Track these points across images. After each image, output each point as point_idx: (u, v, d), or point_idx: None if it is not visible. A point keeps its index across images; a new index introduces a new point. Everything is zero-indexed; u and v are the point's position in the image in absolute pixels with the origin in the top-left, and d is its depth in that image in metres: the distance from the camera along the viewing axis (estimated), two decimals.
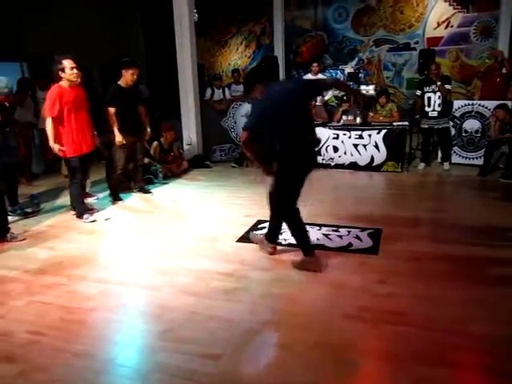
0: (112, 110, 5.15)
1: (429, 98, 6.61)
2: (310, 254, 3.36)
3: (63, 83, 4.43)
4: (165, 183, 6.37)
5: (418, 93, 6.78)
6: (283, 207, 3.36)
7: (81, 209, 4.76)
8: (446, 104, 6.66)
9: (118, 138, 5.15)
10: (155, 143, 6.57)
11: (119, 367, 2.33)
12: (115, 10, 10.68)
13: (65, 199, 5.40)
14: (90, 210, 4.92)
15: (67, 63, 4.37)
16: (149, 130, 5.66)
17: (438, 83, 6.50)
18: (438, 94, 6.54)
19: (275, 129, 3.23)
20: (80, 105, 4.57)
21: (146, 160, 6.34)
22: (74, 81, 4.48)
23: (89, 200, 5.36)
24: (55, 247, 4.01)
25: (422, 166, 6.83)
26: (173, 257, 3.69)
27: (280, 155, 3.25)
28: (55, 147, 4.42)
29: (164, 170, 6.53)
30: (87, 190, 5.57)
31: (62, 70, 4.37)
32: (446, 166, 6.70)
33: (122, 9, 11.04)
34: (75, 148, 4.53)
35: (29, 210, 4.97)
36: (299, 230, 3.37)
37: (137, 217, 4.95)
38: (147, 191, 5.81)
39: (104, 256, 3.80)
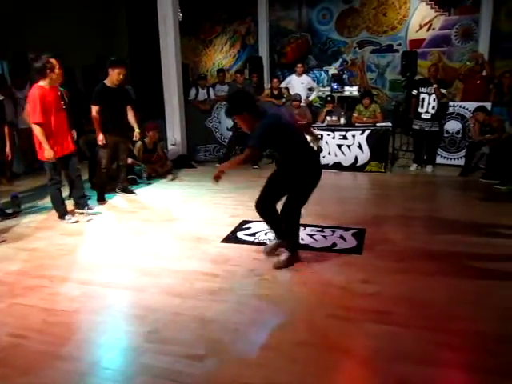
0: (95, 108, 5.10)
1: (423, 99, 6.65)
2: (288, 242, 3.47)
3: (44, 83, 4.23)
4: (149, 183, 6.33)
5: (414, 92, 6.81)
6: (295, 212, 3.44)
7: (61, 210, 4.66)
8: (440, 108, 6.73)
9: (100, 137, 5.11)
10: (139, 143, 6.51)
11: (103, 370, 2.31)
12: (99, 9, 10.56)
13: (47, 200, 5.31)
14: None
15: (55, 62, 4.20)
16: (137, 130, 5.54)
17: (435, 86, 6.56)
18: (433, 96, 6.60)
19: (288, 145, 3.29)
20: (59, 105, 4.46)
21: (130, 160, 6.29)
22: (60, 81, 4.39)
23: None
24: (37, 248, 3.95)
25: (413, 166, 6.88)
26: (157, 257, 3.67)
27: (297, 168, 3.32)
28: (50, 153, 4.26)
29: (148, 170, 6.48)
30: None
31: (51, 69, 4.18)
32: (429, 168, 6.79)
33: (106, 8, 10.92)
34: (55, 150, 4.37)
35: (9, 210, 4.88)
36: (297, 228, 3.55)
37: (120, 217, 4.90)
38: (131, 191, 5.76)
39: (87, 257, 3.75)
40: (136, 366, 2.32)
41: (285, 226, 3.45)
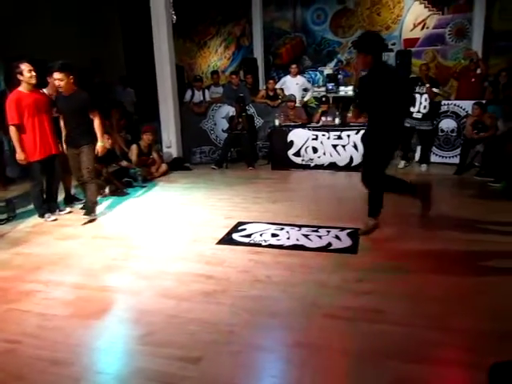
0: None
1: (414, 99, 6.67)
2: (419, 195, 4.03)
3: (22, 88, 4.45)
4: (144, 186, 6.32)
5: None
6: (380, 175, 3.83)
7: (41, 210, 4.82)
8: (432, 107, 6.74)
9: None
10: (134, 146, 6.52)
11: (98, 374, 2.30)
12: (93, 12, 10.54)
13: None
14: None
15: (24, 66, 4.37)
16: (99, 143, 4.75)
17: (427, 85, 6.57)
18: (425, 96, 6.61)
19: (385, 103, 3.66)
20: (41, 109, 4.56)
21: (125, 163, 6.29)
22: (33, 83, 4.45)
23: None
24: (32, 253, 3.94)
25: (402, 163, 6.91)
26: (153, 260, 3.67)
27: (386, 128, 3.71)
28: (22, 156, 4.45)
29: (143, 172, 6.48)
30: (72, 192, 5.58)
31: (20, 73, 4.38)
32: (424, 167, 6.82)
33: (100, 11, 10.91)
34: (38, 152, 4.55)
35: (3, 216, 4.87)
36: (398, 183, 4.00)
37: (114, 220, 4.89)
38: (124, 193, 5.69)
39: (82, 261, 3.73)
40: (131, 369, 2.31)
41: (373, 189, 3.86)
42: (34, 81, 4.44)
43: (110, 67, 10.45)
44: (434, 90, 6.67)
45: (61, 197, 5.54)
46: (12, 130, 4.40)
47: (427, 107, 6.62)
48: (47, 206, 4.92)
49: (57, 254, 3.91)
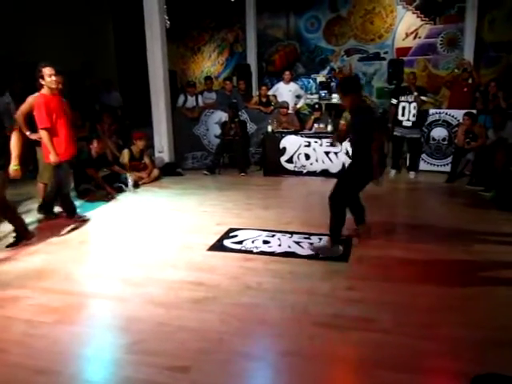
0: None
1: (403, 108, 6.71)
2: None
3: (44, 91, 4.45)
4: (135, 192, 6.27)
5: (394, 101, 6.86)
6: (343, 202, 3.92)
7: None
8: (420, 115, 6.78)
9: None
10: (125, 151, 6.48)
11: (85, 383, 2.26)
12: (86, 15, 10.52)
13: (30, 207, 5.25)
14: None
15: (46, 70, 4.37)
16: (14, 167, 3.88)
17: (415, 93, 6.62)
18: (414, 104, 6.66)
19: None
20: (63, 112, 4.60)
21: (116, 168, 6.24)
22: (54, 88, 4.45)
23: None
24: (19, 258, 3.87)
25: (392, 172, 6.95)
26: (142, 267, 3.62)
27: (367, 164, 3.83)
28: (56, 158, 4.44)
29: (135, 177, 6.43)
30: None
31: (42, 77, 4.38)
32: (412, 175, 6.86)
33: (93, 15, 10.88)
34: (67, 153, 4.61)
35: None
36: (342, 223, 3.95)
37: (104, 226, 4.83)
38: (110, 198, 5.58)
39: (70, 267, 3.67)
40: (118, 378, 2.27)
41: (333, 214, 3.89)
42: (54, 85, 4.44)
43: (101, 70, 10.41)
44: (423, 98, 6.73)
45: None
46: (43, 134, 4.40)
47: (415, 115, 6.67)
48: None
49: (45, 259, 3.84)
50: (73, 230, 4.63)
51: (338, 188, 3.90)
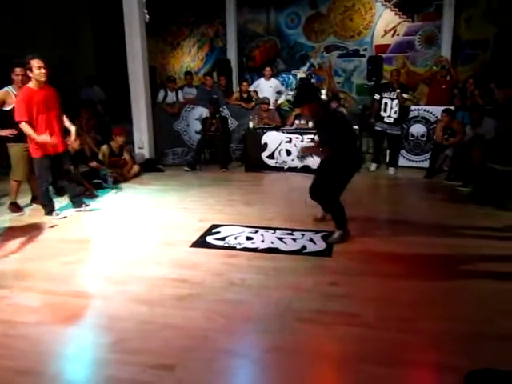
0: None
1: (386, 104, 6.80)
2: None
3: (31, 84, 4.41)
4: (115, 188, 6.18)
5: (377, 97, 6.94)
6: (336, 198, 3.95)
7: (49, 207, 4.80)
8: (402, 112, 6.86)
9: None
10: (104, 147, 6.37)
11: (68, 383, 2.21)
12: (64, 9, 10.29)
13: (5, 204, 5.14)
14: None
15: (34, 62, 4.31)
16: None
17: (397, 91, 6.70)
18: (396, 101, 6.74)
19: (345, 143, 3.84)
20: (50, 105, 4.53)
21: (95, 164, 6.14)
22: (42, 80, 4.39)
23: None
24: None
25: (373, 166, 7.04)
26: (124, 264, 3.57)
27: (344, 161, 3.87)
28: (45, 138, 4.40)
29: (114, 174, 6.33)
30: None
31: (30, 69, 4.32)
32: (392, 170, 6.97)
33: (71, 8, 10.65)
34: (44, 148, 4.51)
35: None
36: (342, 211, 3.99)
37: (84, 223, 4.75)
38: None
39: (49, 265, 3.59)
40: (102, 377, 2.23)
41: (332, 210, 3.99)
42: (43, 78, 4.38)
43: (79, 66, 10.21)
44: (404, 95, 6.81)
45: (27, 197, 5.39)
46: (24, 126, 4.38)
47: (397, 112, 6.76)
48: (73, 201, 4.96)
49: (23, 257, 3.76)
50: (52, 227, 4.54)
51: (325, 187, 3.92)
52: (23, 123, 4.36)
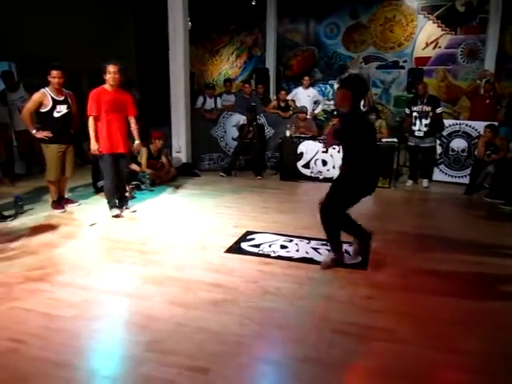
0: None
1: (415, 118, 6.69)
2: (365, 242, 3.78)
3: (106, 85, 4.79)
4: (152, 190, 6.29)
5: (407, 111, 6.85)
6: (335, 215, 3.61)
7: (111, 202, 5.01)
8: (434, 124, 6.72)
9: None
10: (144, 149, 6.50)
11: (103, 378, 2.25)
12: (107, 14, 10.63)
13: (47, 202, 5.31)
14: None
15: (109, 68, 4.71)
16: None
17: (428, 109, 6.57)
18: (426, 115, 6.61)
19: (363, 148, 3.49)
20: (118, 107, 4.82)
21: (134, 166, 6.28)
22: (112, 84, 4.75)
23: (70, 206, 5.33)
24: (38, 251, 3.89)
25: (409, 182, 6.90)
26: (160, 265, 3.63)
27: (359, 172, 3.53)
28: (95, 146, 4.76)
29: (152, 176, 6.45)
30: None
31: (104, 73, 4.74)
32: (425, 183, 6.82)
33: (115, 13, 11.00)
34: (107, 145, 4.79)
35: (8, 212, 4.84)
36: (352, 225, 3.72)
37: (123, 223, 4.86)
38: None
39: (89, 262, 3.69)
40: (136, 375, 2.26)
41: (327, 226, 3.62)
42: (111, 82, 4.74)
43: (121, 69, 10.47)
44: (437, 111, 6.66)
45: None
46: (90, 121, 4.73)
47: (428, 125, 6.62)
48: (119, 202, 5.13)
49: (64, 253, 3.88)
50: (91, 225, 4.67)
51: (330, 199, 3.57)
52: (91, 117, 4.71)
